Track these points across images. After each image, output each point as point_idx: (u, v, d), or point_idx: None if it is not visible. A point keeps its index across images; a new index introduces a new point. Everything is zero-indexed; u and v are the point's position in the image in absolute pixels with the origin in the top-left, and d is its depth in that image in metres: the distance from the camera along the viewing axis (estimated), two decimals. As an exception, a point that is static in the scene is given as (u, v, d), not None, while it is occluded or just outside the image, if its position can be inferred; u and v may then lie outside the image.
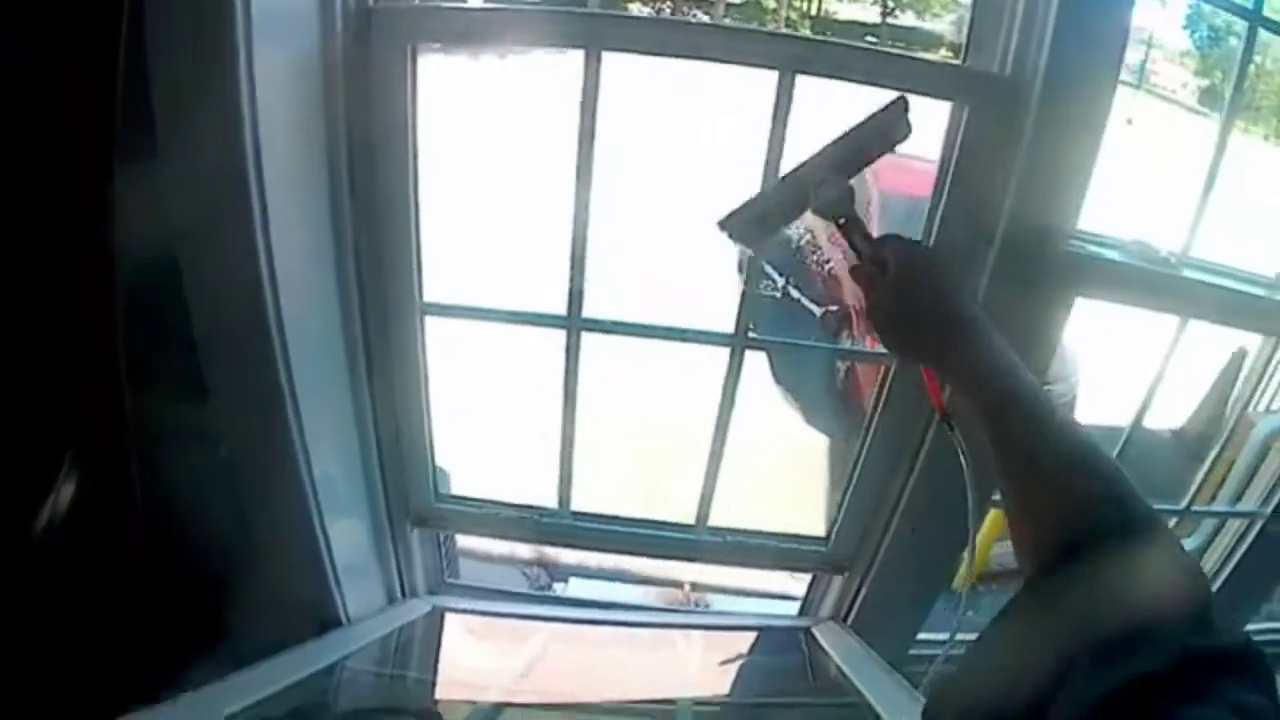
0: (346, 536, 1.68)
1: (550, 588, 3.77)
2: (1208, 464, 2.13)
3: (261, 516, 1.58)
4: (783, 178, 1.23)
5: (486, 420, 5.09)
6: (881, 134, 1.20)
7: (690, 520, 1.90)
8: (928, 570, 1.87)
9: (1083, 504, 0.83)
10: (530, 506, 1.91)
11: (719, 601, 3.55)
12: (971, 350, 1.00)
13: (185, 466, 1.50)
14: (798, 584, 2.18)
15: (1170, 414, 5.26)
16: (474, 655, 2.00)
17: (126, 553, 1.48)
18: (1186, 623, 0.68)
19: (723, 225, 1.21)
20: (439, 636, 1.95)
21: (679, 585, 3.50)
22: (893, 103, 1.20)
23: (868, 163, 1.22)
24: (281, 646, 1.54)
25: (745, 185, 1.30)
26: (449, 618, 1.97)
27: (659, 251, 7.67)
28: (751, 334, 1.65)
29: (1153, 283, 1.56)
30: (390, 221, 1.52)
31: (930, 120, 1.36)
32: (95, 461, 1.45)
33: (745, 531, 1.94)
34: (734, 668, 2.04)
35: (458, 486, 1.95)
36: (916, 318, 1.07)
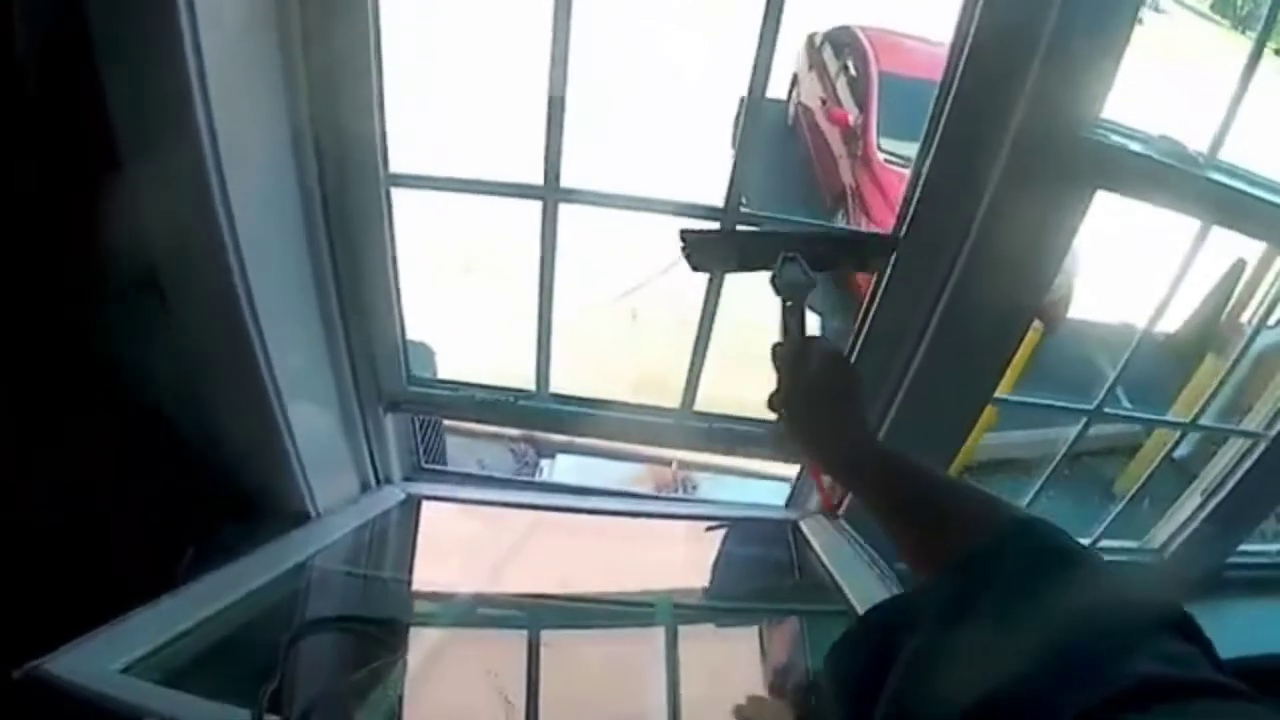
0: (313, 424, 1.56)
1: (538, 464, 3.72)
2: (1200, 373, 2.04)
3: (220, 408, 1.46)
4: (760, 231, 1.29)
5: (463, 301, 4.97)
6: (860, 258, 1.33)
7: (675, 405, 1.80)
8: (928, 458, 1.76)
9: (986, 519, 0.82)
10: (507, 389, 1.79)
11: (707, 481, 3.50)
12: (861, 445, 1.04)
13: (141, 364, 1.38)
14: (789, 467, 2.09)
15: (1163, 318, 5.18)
16: (452, 545, 1.90)
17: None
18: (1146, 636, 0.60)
19: (685, 241, 1.26)
20: (415, 526, 1.85)
21: (667, 464, 3.43)
22: (884, 241, 1.33)
23: (832, 269, 1.28)
24: (248, 544, 1.44)
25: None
26: (427, 506, 1.87)
27: (644, 117, 7.44)
28: (744, 208, 1.50)
29: (1178, 181, 1.43)
30: (349, 78, 1.34)
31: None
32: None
33: (732, 418, 1.83)
34: (718, 559, 1.95)
35: (434, 369, 1.83)
36: (822, 415, 1.08)
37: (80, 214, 1.23)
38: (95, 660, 1.01)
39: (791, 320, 1.17)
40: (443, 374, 1.80)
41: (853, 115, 7.02)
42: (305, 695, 1.16)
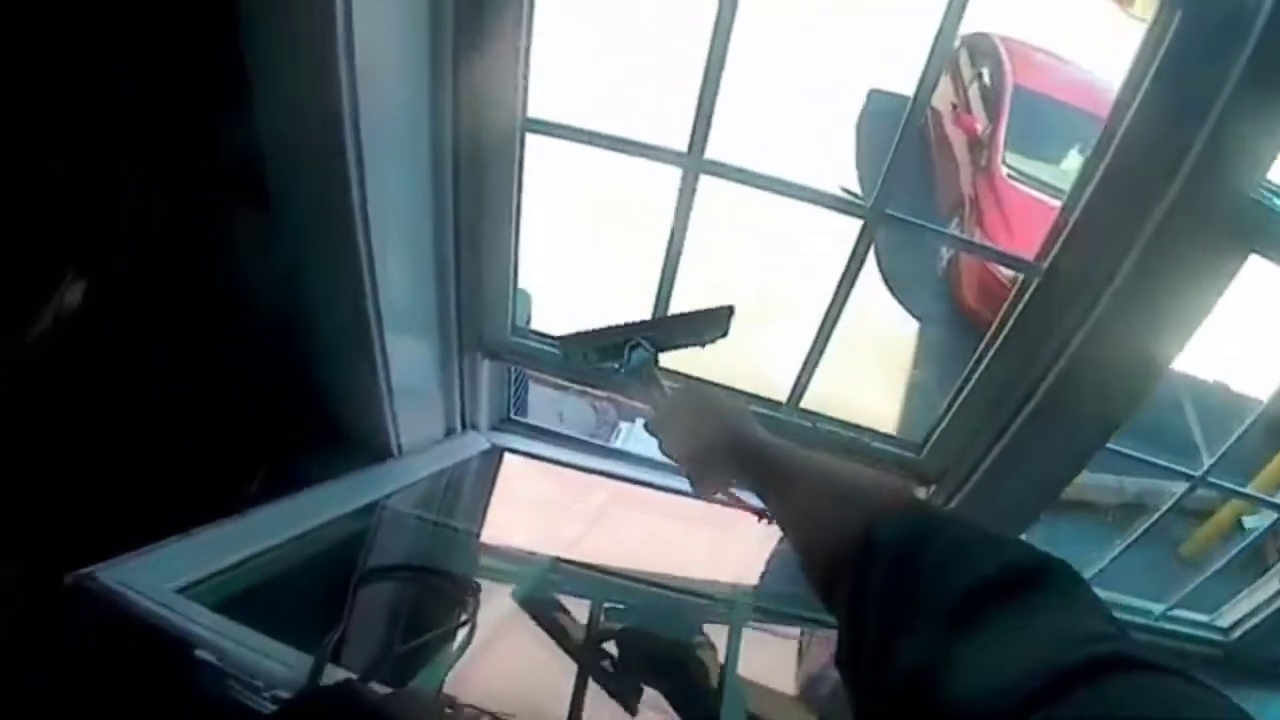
0: (408, 358, 1.50)
1: (616, 425, 3.63)
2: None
3: (315, 326, 1.40)
4: (616, 325, 1.31)
5: (578, 255, 4.86)
6: (698, 330, 1.34)
7: (780, 397, 1.70)
8: (1019, 506, 1.68)
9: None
10: (616, 356, 1.69)
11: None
12: (746, 436, 1.06)
13: (240, 273, 1.32)
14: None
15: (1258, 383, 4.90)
16: (526, 501, 1.82)
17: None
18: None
19: (559, 341, 1.39)
20: (494, 477, 1.77)
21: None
22: (723, 308, 1.32)
23: (678, 347, 1.35)
24: (322, 473, 1.38)
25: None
26: (508, 459, 1.79)
27: (781, 100, 7.24)
28: (890, 211, 1.42)
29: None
30: (497, 16, 1.26)
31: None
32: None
33: (838, 421, 1.73)
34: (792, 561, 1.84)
35: (530, 317, 1.74)
36: (710, 443, 1.10)
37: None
38: (151, 575, 0.94)
39: (653, 392, 1.27)
40: (537, 325, 1.71)
41: (981, 124, 6.77)
42: (365, 643, 1.09)
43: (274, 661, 0.87)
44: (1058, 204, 1.36)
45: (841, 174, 6.88)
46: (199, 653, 0.84)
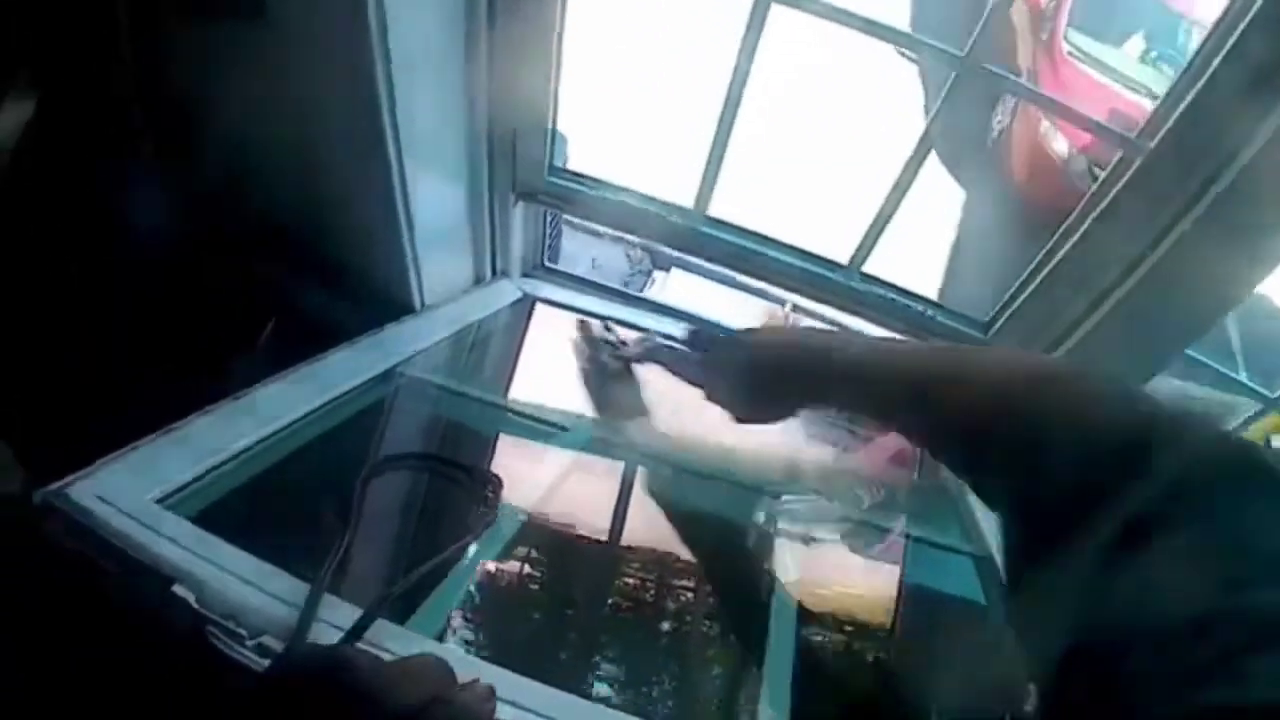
0: (433, 196, 1.28)
1: (651, 274, 3.41)
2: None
3: (325, 158, 1.18)
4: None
5: (622, 93, 4.45)
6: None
7: (843, 260, 1.49)
8: None
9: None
10: (661, 201, 1.48)
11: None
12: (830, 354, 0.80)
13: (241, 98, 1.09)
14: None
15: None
16: (559, 355, 1.62)
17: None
18: None
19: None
20: (525, 329, 1.57)
21: (781, 303, 3.09)
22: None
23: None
24: (340, 326, 1.18)
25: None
26: (540, 310, 1.59)
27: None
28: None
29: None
30: None
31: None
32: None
33: (900, 290, 1.52)
34: (835, 433, 1.66)
35: (575, 162, 1.50)
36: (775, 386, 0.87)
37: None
38: (131, 481, 0.75)
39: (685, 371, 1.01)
40: (574, 165, 1.50)
41: (1047, -4, 6.24)
42: (374, 554, 0.91)
43: (265, 595, 0.69)
44: (1117, 88, 1.15)
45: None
46: (176, 589, 0.66)
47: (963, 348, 0.77)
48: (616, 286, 1.85)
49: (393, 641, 0.70)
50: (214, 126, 1.12)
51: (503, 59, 1.24)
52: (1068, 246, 1.33)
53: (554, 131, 1.41)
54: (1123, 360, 1.37)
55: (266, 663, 0.64)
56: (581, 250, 3.26)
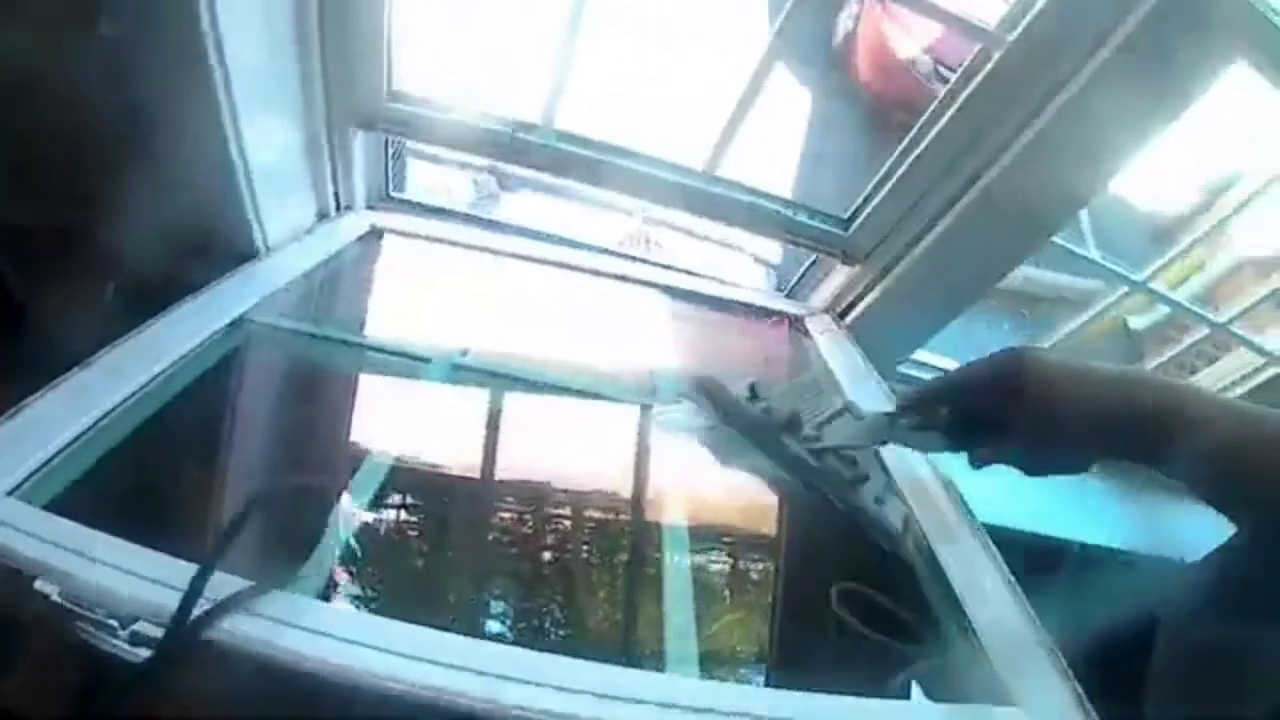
0: (266, 132, 1.19)
1: (498, 196, 3.33)
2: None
3: (145, 90, 1.07)
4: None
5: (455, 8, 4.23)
6: None
7: (698, 166, 1.49)
8: (948, 296, 1.58)
9: None
10: (508, 120, 1.44)
11: (671, 242, 3.14)
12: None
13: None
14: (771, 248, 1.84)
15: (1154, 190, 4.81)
16: (411, 287, 1.56)
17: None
18: None
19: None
20: (374, 262, 1.51)
21: (629, 214, 3.06)
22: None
23: None
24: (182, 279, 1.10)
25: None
26: (390, 241, 1.53)
27: None
28: None
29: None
30: None
31: None
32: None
33: (761, 193, 1.53)
34: (701, 338, 1.66)
35: (412, 86, 1.44)
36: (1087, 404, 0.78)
37: None
38: None
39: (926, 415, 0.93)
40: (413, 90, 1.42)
41: None
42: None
43: (136, 578, 0.65)
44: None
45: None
46: (39, 584, 0.61)
47: None
48: (465, 210, 1.80)
49: (276, 608, 0.67)
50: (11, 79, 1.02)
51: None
52: (926, 141, 1.37)
53: (391, 55, 1.33)
54: (987, 251, 1.43)
55: (144, 652, 0.61)
56: (424, 180, 3.16)
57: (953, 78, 1.34)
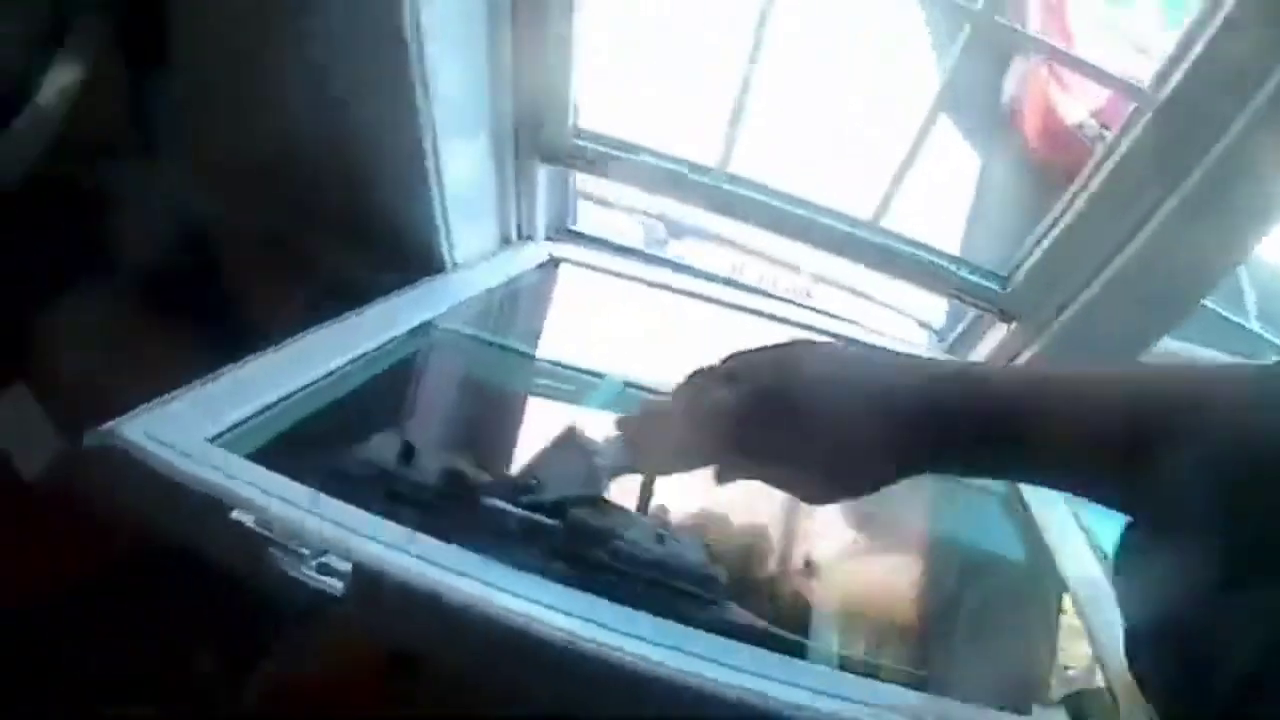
0: (461, 160, 1.29)
1: (666, 243, 3.41)
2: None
3: (356, 118, 1.19)
4: None
5: (638, 55, 4.41)
6: None
7: (866, 216, 1.50)
8: (1100, 356, 1.47)
9: None
10: (683, 160, 1.49)
11: (834, 300, 3.12)
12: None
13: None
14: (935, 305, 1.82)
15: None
16: (585, 317, 1.63)
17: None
18: None
19: None
20: (551, 290, 1.59)
21: (795, 269, 3.07)
22: None
23: None
24: (373, 288, 1.20)
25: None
26: (565, 271, 1.61)
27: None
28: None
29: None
30: None
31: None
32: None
33: (922, 245, 1.53)
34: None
35: (593, 124, 1.51)
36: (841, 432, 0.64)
37: None
38: (178, 425, 0.76)
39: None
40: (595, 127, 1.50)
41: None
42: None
43: (323, 520, 0.71)
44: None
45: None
46: (235, 514, 0.68)
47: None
48: (640, 248, 1.87)
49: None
50: (247, 97, 1.14)
51: (525, 26, 1.27)
52: (1083, 200, 1.34)
53: (576, 96, 1.42)
54: (1139, 313, 1.38)
55: (329, 580, 0.66)
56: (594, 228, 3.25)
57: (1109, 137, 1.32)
